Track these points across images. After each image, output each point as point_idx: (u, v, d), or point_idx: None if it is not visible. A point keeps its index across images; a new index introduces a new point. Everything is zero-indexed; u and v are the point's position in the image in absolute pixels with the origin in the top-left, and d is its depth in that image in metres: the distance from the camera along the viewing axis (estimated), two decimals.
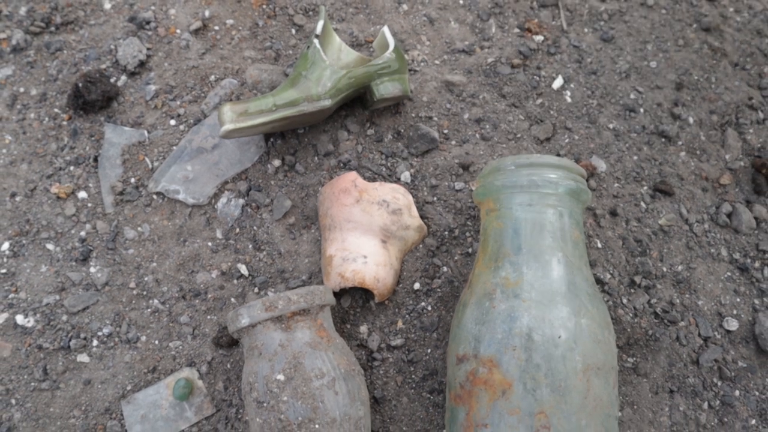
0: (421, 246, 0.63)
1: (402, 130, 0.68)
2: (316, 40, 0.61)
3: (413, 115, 0.68)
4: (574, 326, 0.48)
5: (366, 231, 0.59)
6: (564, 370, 0.46)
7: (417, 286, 0.62)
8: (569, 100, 0.70)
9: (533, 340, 0.47)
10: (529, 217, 0.52)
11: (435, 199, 0.65)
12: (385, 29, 0.65)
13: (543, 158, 0.54)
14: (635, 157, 0.68)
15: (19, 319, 0.61)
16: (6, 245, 0.64)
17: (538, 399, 0.46)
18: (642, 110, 0.71)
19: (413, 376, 0.59)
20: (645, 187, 0.67)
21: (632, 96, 0.72)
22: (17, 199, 0.66)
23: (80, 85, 0.66)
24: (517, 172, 0.53)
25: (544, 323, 0.48)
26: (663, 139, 0.70)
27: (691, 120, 0.71)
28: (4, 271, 0.63)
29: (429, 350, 0.60)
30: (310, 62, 0.61)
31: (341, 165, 0.66)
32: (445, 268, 0.62)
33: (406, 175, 0.65)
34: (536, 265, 0.50)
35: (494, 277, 0.51)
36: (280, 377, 0.50)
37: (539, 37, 0.75)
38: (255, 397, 0.51)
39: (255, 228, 0.64)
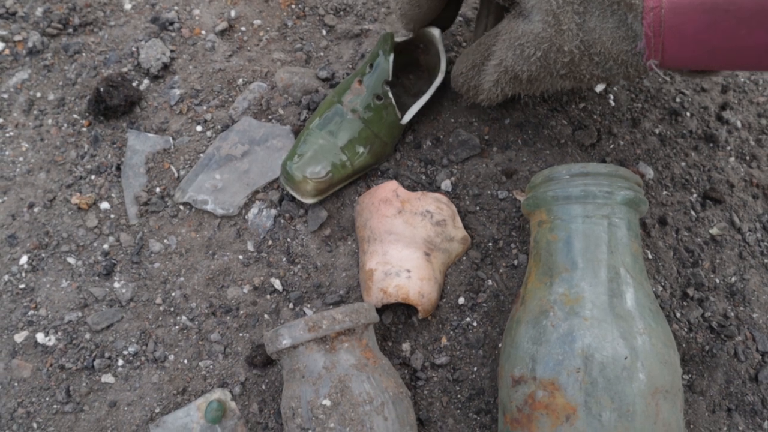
0: (464, 258, 0.60)
1: (441, 137, 0.65)
2: (390, 94, 0.58)
3: (452, 120, 0.65)
4: (641, 346, 0.45)
5: (409, 243, 0.56)
6: (631, 393, 0.43)
7: (461, 300, 0.58)
8: (612, 103, 0.68)
9: (597, 361, 0.44)
10: (585, 230, 0.49)
11: (478, 208, 0.62)
12: (435, 31, 0.60)
13: (598, 167, 0.51)
14: (683, 164, 0.66)
15: (40, 337, 0.58)
16: (24, 259, 0.60)
17: (605, 424, 0.43)
18: (688, 114, 0.68)
19: (459, 396, 0.56)
20: (694, 195, 0.64)
21: (678, 99, 0.69)
22: (35, 210, 0.62)
23: (101, 89, 0.63)
24: (572, 181, 0.50)
25: (607, 343, 0.45)
26: (711, 144, 0.67)
27: (739, 124, 0.68)
28: (22, 286, 0.60)
29: (475, 368, 0.57)
30: (385, 123, 0.59)
31: (378, 173, 0.63)
32: (490, 282, 0.59)
33: (446, 184, 0.62)
34: (596, 281, 0.47)
35: (550, 293, 0.48)
36: (326, 402, 0.47)
37: None
38: (299, 424, 0.47)
39: (289, 240, 0.61)
